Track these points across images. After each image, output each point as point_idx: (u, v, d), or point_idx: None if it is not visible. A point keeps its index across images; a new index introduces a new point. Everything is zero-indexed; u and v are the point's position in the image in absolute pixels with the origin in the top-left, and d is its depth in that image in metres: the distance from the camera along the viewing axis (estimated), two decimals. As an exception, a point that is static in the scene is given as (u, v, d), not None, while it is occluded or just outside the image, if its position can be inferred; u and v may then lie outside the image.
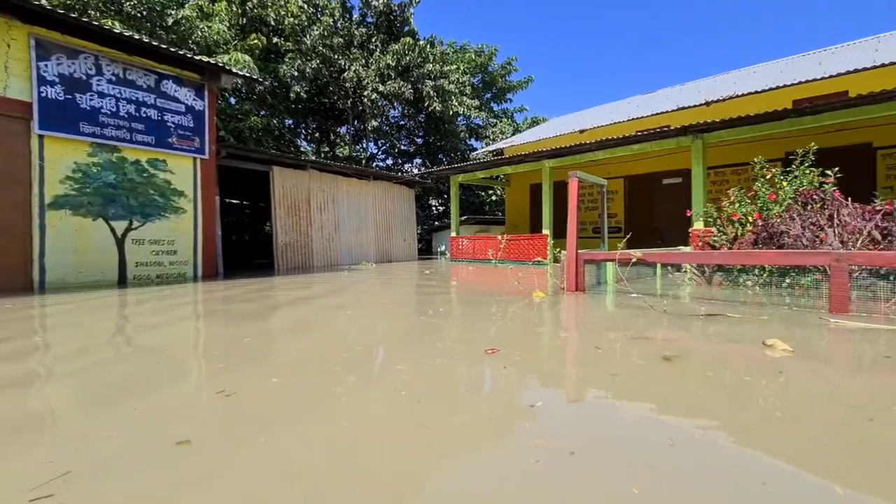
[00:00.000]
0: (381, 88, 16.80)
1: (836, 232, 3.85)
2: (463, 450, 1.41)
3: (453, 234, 12.68)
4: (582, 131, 12.30)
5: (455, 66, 20.51)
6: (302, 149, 21.31)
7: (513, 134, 22.87)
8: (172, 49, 7.07)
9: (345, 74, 16.99)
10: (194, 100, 7.71)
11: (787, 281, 5.03)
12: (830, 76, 8.98)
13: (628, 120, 11.45)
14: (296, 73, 16.06)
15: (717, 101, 10.00)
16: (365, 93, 17.12)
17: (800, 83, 9.37)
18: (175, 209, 7.47)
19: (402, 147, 23.58)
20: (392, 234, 13.73)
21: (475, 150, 22.37)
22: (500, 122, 25.00)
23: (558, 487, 1.13)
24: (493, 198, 24.05)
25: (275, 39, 16.42)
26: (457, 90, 19.72)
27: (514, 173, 14.63)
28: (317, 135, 21.67)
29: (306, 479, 1.21)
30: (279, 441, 1.44)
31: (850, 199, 4.54)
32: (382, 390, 1.93)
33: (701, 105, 10.22)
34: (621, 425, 1.59)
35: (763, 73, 11.48)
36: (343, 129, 21.66)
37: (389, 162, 23.98)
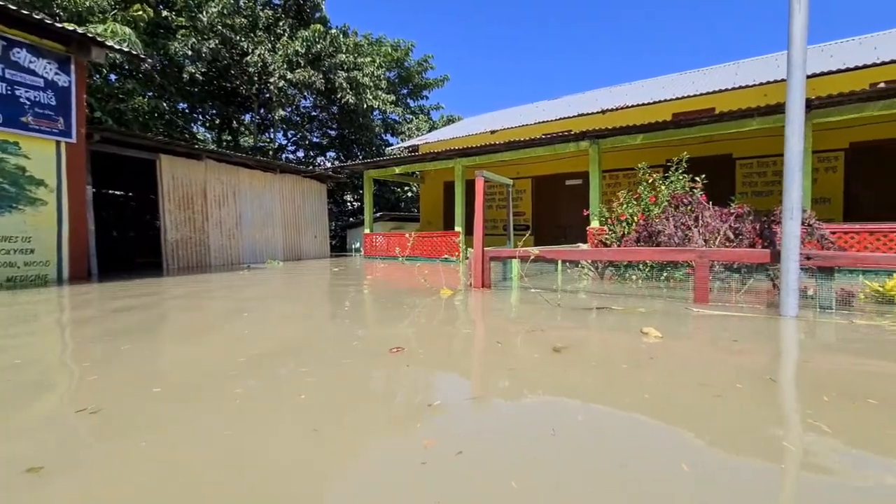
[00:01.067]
0: (289, 76, 15.88)
1: (700, 231, 4.40)
2: (351, 456, 1.35)
3: (366, 230, 12.43)
4: (493, 132, 12.72)
5: (370, 59, 20.06)
6: (199, 136, 19.47)
7: (429, 131, 23.01)
8: (24, 12, 5.99)
9: (248, 58, 15.78)
10: (57, 74, 6.62)
11: (665, 275, 5.64)
12: (700, 94, 10.24)
13: (535, 123, 12.07)
14: (190, 53, 14.56)
15: (611, 109, 10.92)
16: (271, 79, 16.06)
17: (677, 98, 10.55)
18: (31, 200, 6.37)
19: (315, 139, 22.60)
20: (302, 230, 13.08)
21: (391, 145, 22.14)
22: (417, 118, 25.03)
23: (438, 491, 1.12)
24: (409, 194, 24.03)
25: (164, 13, 14.74)
26: (372, 83, 19.31)
27: (428, 170, 14.74)
28: (217, 122, 19.92)
29: (176, 495, 1.06)
30: (150, 456, 1.26)
31: (711, 202, 5.21)
32: (279, 394, 1.82)
33: (597, 113, 11.09)
34: (511, 419, 1.65)
35: (650, 87, 12.76)
36: (248, 118, 20.17)
37: (301, 154, 22.85)
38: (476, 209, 5.23)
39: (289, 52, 15.88)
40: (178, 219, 9.46)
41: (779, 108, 7.14)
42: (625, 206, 5.99)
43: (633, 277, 5.75)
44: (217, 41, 15.09)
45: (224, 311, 3.99)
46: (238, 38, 15.82)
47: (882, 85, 6.61)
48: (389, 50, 23.62)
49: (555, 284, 5.59)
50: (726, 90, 9.99)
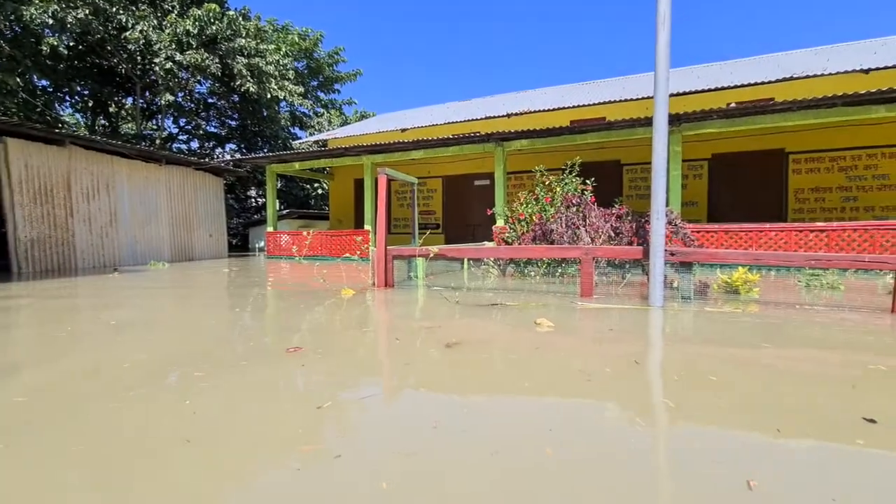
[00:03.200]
0: (178, 57, 14.34)
1: (587, 230, 4.75)
2: (219, 467, 1.20)
3: (269, 228, 11.68)
4: (403, 130, 12.66)
5: (275, 47, 18.90)
6: (67, 119, 16.89)
7: (341, 126, 22.30)
8: None
9: (127, 34, 13.98)
10: None
11: (560, 271, 6.01)
12: (594, 104, 11.11)
13: (444, 123, 12.23)
14: (51, 22, 12.52)
15: (516, 114, 11.43)
16: (157, 60, 14.39)
17: (574, 107, 11.35)
18: None
19: (212, 129, 20.77)
20: (193, 228, 11.91)
21: (300, 139, 21.08)
22: (330, 113, 24.14)
23: (303, 500, 1.02)
24: (320, 191, 23.09)
25: (15, -28, 12.49)
26: (276, 73, 18.19)
27: (338, 167, 14.25)
28: (91, 104, 17.41)
29: None
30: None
31: (600, 204, 5.66)
32: (161, 404, 1.62)
33: (503, 116, 11.54)
34: (397, 416, 1.61)
35: (551, 95, 13.58)
36: (130, 101, 17.92)
37: (195, 145, 20.88)
38: (378, 207, 5.12)
39: (178, 31, 14.35)
40: (33, 214, 8.07)
41: (648, 121, 7.97)
42: (524, 206, 6.28)
43: (532, 274, 6.05)
44: (88, 11, 13.16)
45: (102, 320, 3.44)
46: (115, 9, 13.94)
47: (733, 105, 7.66)
48: (297, 39, 22.46)
49: (460, 282, 5.69)
50: (615, 102, 10.95)
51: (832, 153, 9.45)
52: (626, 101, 10.92)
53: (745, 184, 10.17)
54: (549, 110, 11.30)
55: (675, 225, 4.78)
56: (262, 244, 16.71)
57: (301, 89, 20.64)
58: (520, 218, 6.16)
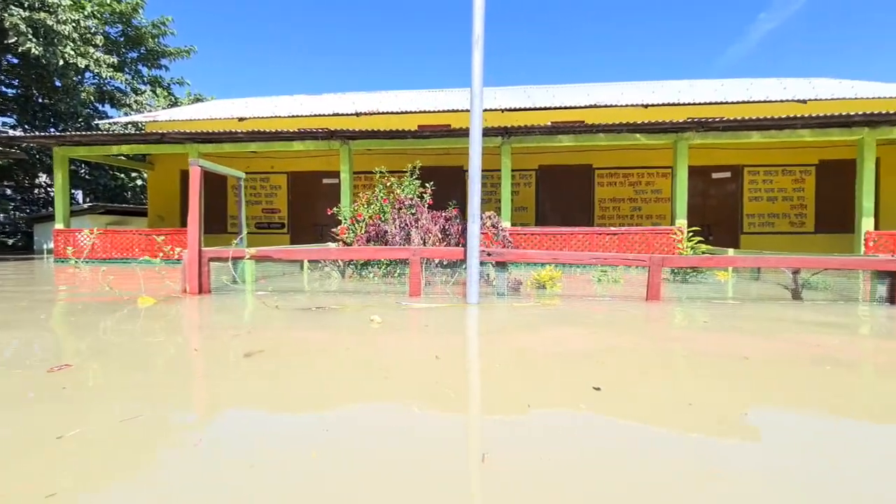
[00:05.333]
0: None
1: (418, 232, 4.92)
2: None
3: (59, 225, 9.49)
4: (241, 119, 11.53)
5: (71, 3, 15.48)
6: None
7: (169, 108, 19.33)
8: None
9: None
10: None
11: (399, 272, 6.11)
12: (440, 111, 11.65)
13: (289, 116, 11.51)
14: None
15: (365, 113, 11.35)
16: None
17: (422, 112, 11.74)
18: None
19: (-25, 96, 16.13)
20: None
21: (110, 118, 17.64)
22: (156, 94, 20.71)
23: None
24: (140, 182, 19.71)
25: None
26: (76, 34, 14.93)
27: (160, 155, 12.32)
28: None
29: None
30: None
31: (438, 208, 5.92)
32: None
33: (352, 115, 11.35)
34: (158, 439, 1.34)
35: (401, 99, 13.83)
36: None
37: (-53, 114, 15.93)
38: (191, 202, 4.52)
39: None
40: None
41: (489, 131, 8.69)
42: (363, 207, 6.23)
43: (372, 275, 6.03)
44: None
45: None
46: None
47: (549, 123, 8.80)
48: (107, -1, 18.79)
49: (298, 286, 5.36)
50: (460, 111, 11.66)
51: (624, 170, 11.52)
52: (467, 111, 11.71)
53: (565, 193, 11.77)
54: (397, 113, 11.48)
55: (497, 227, 5.26)
56: (52, 245, 13.52)
57: (113, 59, 17.36)
58: (358, 218, 6.09)
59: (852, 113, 8.05)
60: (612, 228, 8.61)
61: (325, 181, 11.92)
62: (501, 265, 4.40)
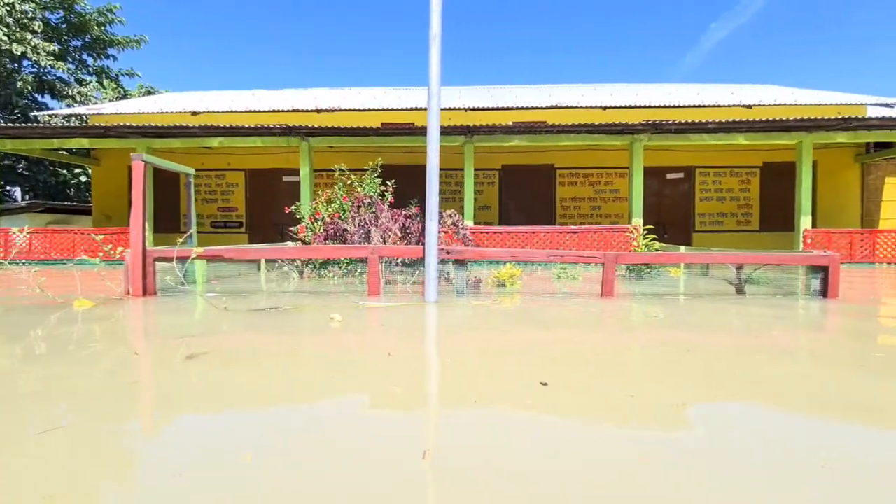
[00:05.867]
0: None
1: (378, 231, 4.85)
2: None
3: (-10, 224, 8.80)
4: (195, 113, 11.04)
5: (5, -15, 14.39)
6: None
7: (118, 100, 18.30)
8: None
9: None
10: None
11: (359, 271, 6.01)
12: (404, 109, 11.57)
13: (245, 111, 11.12)
14: None
15: (327, 110, 11.12)
16: None
17: (386, 110, 11.62)
18: None
19: None
20: None
21: (51, 110, 16.50)
22: (104, 86, 19.54)
23: None
24: (84, 179, 18.57)
25: None
26: (11, 19, 13.88)
27: (106, 150, 11.63)
28: None
29: None
30: None
31: (399, 205, 5.87)
32: None
33: (313, 111, 11.09)
34: (80, 447, 1.22)
35: (364, 96, 13.64)
36: None
37: None
38: (134, 199, 4.28)
39: None
40: None
41: (452, 130, 8.71)
42: (322, 205, 6.10)
43: (332, 275, 5.91)
44: None
45: None
46: None
47: (511, 123, 8.90)
48: (46, -18, 17.61)
49: (255, 287, 5.18)
50: (422, 109, 11.60)
51: (584, 171, 11.82)
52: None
53: (527, 192, 11.95)
54: (360, 110, 11.31)
55: (458, 226, 5.26)
56: (-16, 245, 12.51)
57: (54, 47, 16.27)
58: (317, 217, 5.95)
59: (792, 118, 8.57)
60: (573, 227, 8.82)
61: (285, 179, 11.61)
62: (461, 263, 4.40)
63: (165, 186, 10.68)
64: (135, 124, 8.97)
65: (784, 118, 8.59)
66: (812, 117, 8.59)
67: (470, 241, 5.24)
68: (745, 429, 1.47)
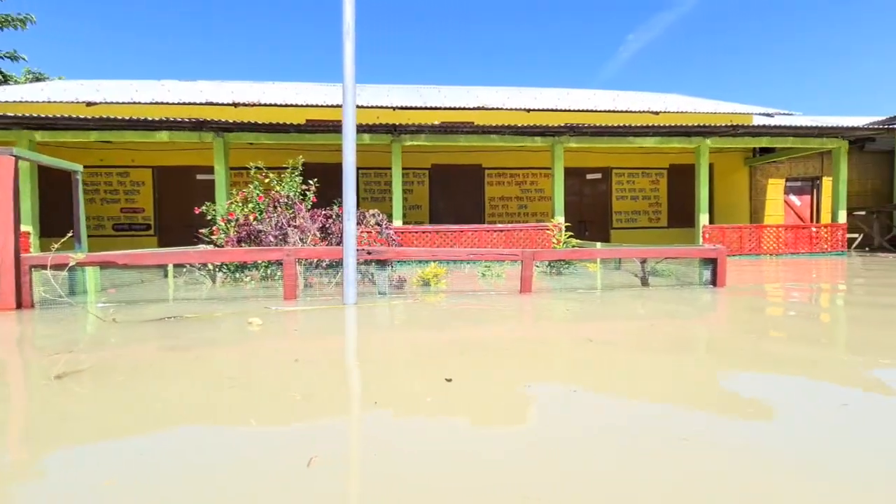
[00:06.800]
0: None
1: (296, 232, 4.64)
2: None
3: None
4: (90, 104, 9.91)
5: None
6: None
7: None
8: None
9: None
10: None
11: (279, 275, 5.72)
12: (330, 105, 11.22)
13: (151, 103, 10.17)
14: None
15: (245, 104, 10.49)
16: None
17: (311, 105, 11.20)
18: None
19: None
20: None
21: None
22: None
23: None
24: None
25: None
26: None
27: (-22, 143, 10.10)
28: None
29: None
30: None
31: (312, 205, 5.66)
32: None
33: (230, 105, 10.42)
34: None
35: (289, 90, 13.06)
36: None
37: None
38: (2, 200, 3.74)
39: None
40: None
41: (380, 128, 8.58)
42: (236, 205, 5.73)
43: (248, 280, 5.57)
44: None
45: None
46: None
47: (437, 122, 8.94)
48: None
49: (156, 295, 4.72)
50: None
51: (511, 171, 12.19)
52: (359, 107, 11.44)
53: (457, 192, 12.10)
54: (283, 105, 10.81)
55: (381, 226, 5.18)
56: None
57: None
58: (230, 218, 5.58)
59: (691, 125, 9.43)
60: (500, 226, 9.05)
61: (199, 177, 10.80)
62: (383, 264, 4.34)
63: (57, 185, 9.50)
64: (16, 114, 7.88)
65: (685, 124, 9.44)
66: (708, 124, 9.52)
67: (394, 241, 5.18)
68: (630, 409, 1.56)
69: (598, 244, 8.11)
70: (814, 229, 10.41)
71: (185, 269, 5.62)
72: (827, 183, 12.69)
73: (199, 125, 7.84)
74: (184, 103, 10.37)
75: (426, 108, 11.30)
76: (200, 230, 5.96)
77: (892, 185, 12.87)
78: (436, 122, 8.98)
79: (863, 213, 11.97)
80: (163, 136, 8.27)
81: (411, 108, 11.20)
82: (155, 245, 10.45)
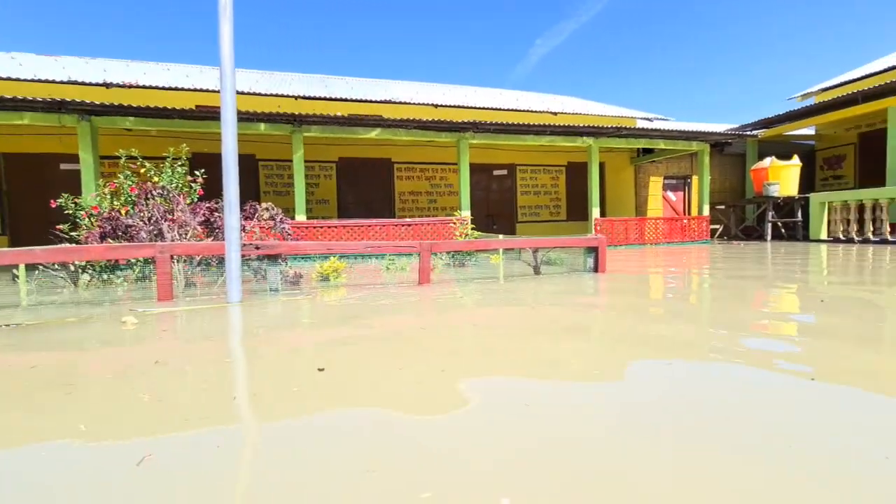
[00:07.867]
0: None
1: (173, 226, 4.23)
2: None
3: None
4: None
5: None
6: None
7: None
8: None
9: None
10: None
11: (153, 273, 5.18)
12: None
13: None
14: None
15: (120, 85, 9.32)
16: None
17: (202, 91, 10.26)
18: None
19: None
20: None
21: None
22: None
23: None
24: None
25: None
26: None
27: None
28: None
29: None
30: None
31: (199, 198, 5.21)
32: None
33: (100, 85, 9.18)
34: None
35: (173, 72, 11.85)
36: None
37: None
38: None
39: None
40: None
41: (279, 118, 8.13)
42: (103, 198, 5.08)
43: (121, 280, 4.97)
44: None
45: None
46: None
47: (339, 114, 8.71)
48: None
49: (8, 300, 4.01)
50: (248, 93, 10.58)
51: (421, 165, 12.26)
52: (258, 94, 10.74)
53: (366, 186, 11.89)
54: (167, 88, 9.78)
55: (276, 220, 4.91)
56: None
57: None
58: (93, 212, 4.93)
59: (583, 125, 10.21)
60: (408, 220, 9.07)
61: (63, 166, 9.40)
62: (274, 259, 4.12)
63: None
64: None
65: (578, 125, 10.19)
66: (597, 125, 10.37)
67: (289, 236, 4.95)
68: (513, 388, 1.64)
69: (501, 236, 8.48)
70: (685, 221, 11.86)
71: (37, 271, 4.85)
72: (695, 181, 14.51)
73: (57, 106, 6.78)
74: (42, 80, 8.93)
75: (332, 99, 10.94)
76: (59, 226, 5.18)
77: (744, 183, 15.08)
78: (343, 114, 8.71)
79: (722, 207, 13.89)
80: (9, 117, 7.05)
81: (315, 99, 10.77)
82: (6, 243, 8.92)
